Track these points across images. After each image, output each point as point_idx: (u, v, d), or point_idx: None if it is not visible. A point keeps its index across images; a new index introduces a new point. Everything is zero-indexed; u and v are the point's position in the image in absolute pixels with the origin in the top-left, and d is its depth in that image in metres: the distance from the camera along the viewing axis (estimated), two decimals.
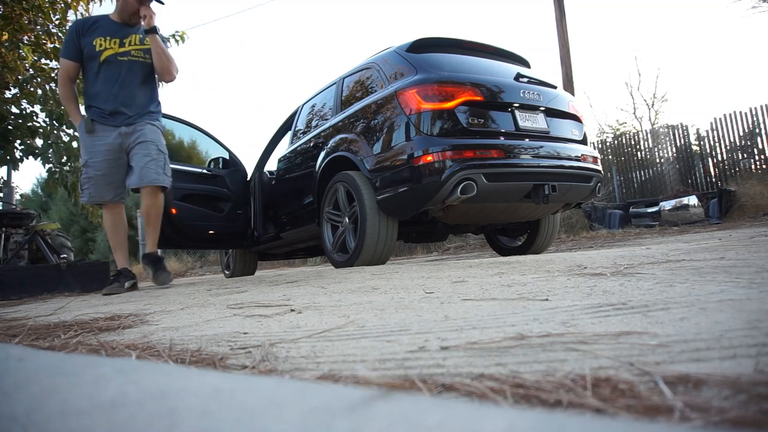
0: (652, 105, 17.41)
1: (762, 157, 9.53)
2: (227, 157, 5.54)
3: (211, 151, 5.69)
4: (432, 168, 3.18)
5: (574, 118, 3.95)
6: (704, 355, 0.72)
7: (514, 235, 4.89)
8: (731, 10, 32.02)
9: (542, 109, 3.69)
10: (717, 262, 1.76)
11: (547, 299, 1.34)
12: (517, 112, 3.53)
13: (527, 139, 3.51)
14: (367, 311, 1.42)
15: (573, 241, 7.14)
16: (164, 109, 3.99)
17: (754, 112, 9.57)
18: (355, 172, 3.74)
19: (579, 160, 3.70)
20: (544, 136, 3.63)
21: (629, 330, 0.90)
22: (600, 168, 3.92)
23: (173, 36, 5.85)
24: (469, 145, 3.24)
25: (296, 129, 5.07)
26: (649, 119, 17.24)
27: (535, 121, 3.62)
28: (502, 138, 3.42)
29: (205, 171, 5.30)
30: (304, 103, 5.09)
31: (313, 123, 4.77)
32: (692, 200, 8.38)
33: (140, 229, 15.42)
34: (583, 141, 3.98)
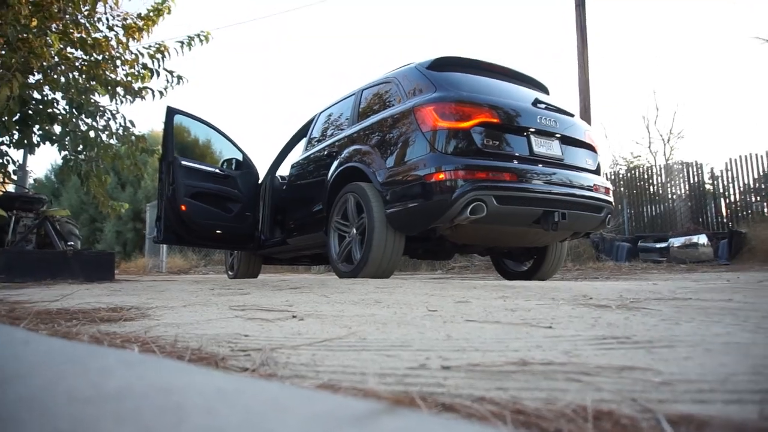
0: (668, 140, 17.31)
1: None
2: (240, 159, 5.58)
3: (225, 152, 5.73)
4: (443, 186, 3.19)
5: (590, 147, 3.95)
6: (708, 396, 0.71)
7: (520, 259, 4.86)
8: (753, 48, 31.84)
9: (558, 136, 3.69)
10: (724, 304, 1.74)
11: (550, 327, 1.33)
12: (532, 137, 3.54)
13: (540, 165, 3.51)
14: (369, 324, 1.42)
15: (579, 271, 7.09)
16: (184, 107, 4.01)
17: None
18: (367, 183, 3.75)
19: (591, 190, 3.69)
20: (558, 163, 3.63)
21: (632, 365, 0.89)
22: (611, 199, 3.91)
23: (198, 36, 5.92)
24: (482, 166, 3.25)
25: (311, 136, 5.11)
26: (664, 154, 17.14)
27: (550, 148, 3.62)
28: (515, 161, 3.43)
29: (217, 171, 5.34)
30: (321, 112, 5.13)
31: (329, 132, 4.80)
32: (702, 239, 8.30)
33: (148, 223, 15.46)
34: (597, 171, 3.97)
